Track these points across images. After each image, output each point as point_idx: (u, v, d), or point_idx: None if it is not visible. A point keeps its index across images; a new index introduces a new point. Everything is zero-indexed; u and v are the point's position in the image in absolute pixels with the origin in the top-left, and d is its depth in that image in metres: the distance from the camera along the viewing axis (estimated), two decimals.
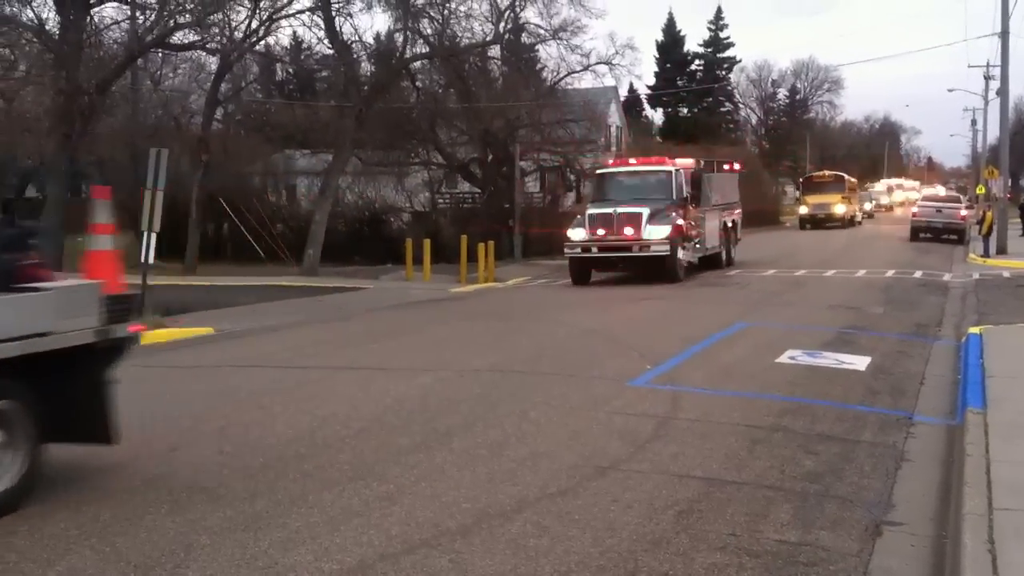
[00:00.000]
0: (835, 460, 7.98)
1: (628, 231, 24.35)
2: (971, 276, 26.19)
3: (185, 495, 7.13)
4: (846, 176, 63.16)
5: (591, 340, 15.15)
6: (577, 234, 25.11)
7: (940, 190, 74.97)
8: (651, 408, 9.87)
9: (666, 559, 5.84)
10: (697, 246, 26.75)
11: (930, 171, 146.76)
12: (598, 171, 29.22)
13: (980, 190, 48.88)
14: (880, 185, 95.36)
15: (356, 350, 14.81)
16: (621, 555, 5.90)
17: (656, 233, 24.22)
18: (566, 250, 25.68)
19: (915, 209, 47.17)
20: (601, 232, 24.64)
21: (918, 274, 26.75)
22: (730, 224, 30.73)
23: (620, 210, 24.61)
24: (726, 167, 32.91)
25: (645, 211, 24.35)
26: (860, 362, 12.60)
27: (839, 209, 57.66)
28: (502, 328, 17.14)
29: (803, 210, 59.23)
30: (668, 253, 24.24)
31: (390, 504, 6.85)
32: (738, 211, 32.51)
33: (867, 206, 71.91)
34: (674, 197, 25.52)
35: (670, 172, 26.16)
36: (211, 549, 6.05)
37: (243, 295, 22.94)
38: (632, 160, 28.92)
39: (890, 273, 26.87)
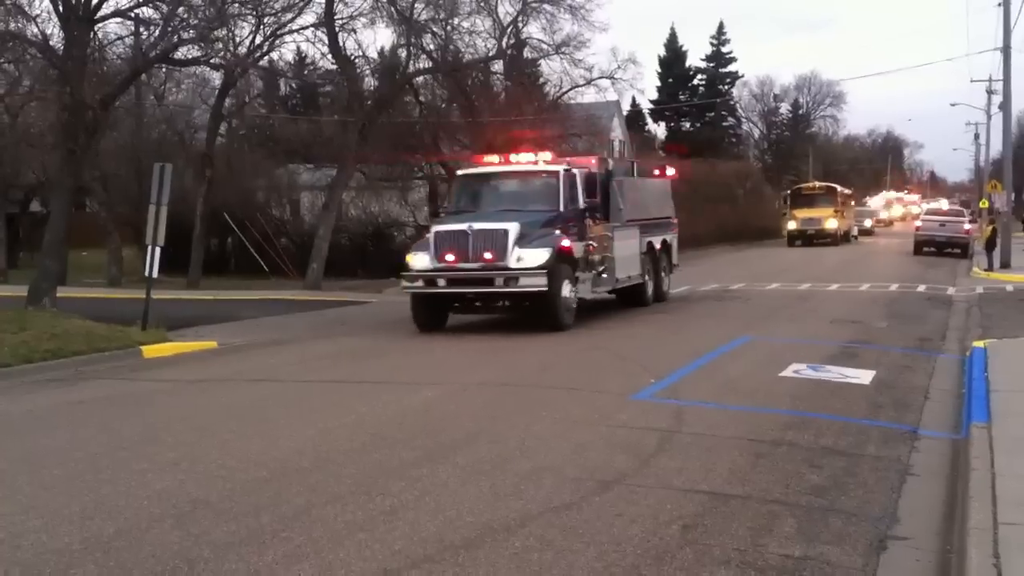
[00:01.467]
0: (840, 474, 7.96)
1: (488, 256, 17.58)
2: (975, 290, 26.16)
3: (189, 509, 7.13)
4: (839, 188, 58.81)
5: (595, 354, 15.14)
6: (419, 261, 18.19)
7: (943, 204, 74.48)
8: (655, 422, 9.85)
9: (670, 574, 5.82)
10: (603, 276, 19.83)
11: (933, 185, 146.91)
12: (459, 172, 21.37)
13: (983, 204, 48.90)
14: (878, 199, 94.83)
15: (359, 364, 14.81)
16: (625, 570, 5.88)
17: (529, 259, 17.41)
18: (404, 283, 18.77)
19: (918, 223, 47.12)
20: (451, 258, 17.81)
21: (922, 288, 26.73)
22: (659, 246, 23.01)
23: (477, 226, 17.82)
24: (656, 172, 25.44)
25: (512, 227, 17.60)
26: (864, 376, 12.58)
27: (831, 224, 53.40)
28: (505, 342, 17.12)
29: (791, 225, 54.30)
30: (545, 288, 17.34)
31: (394, 518, 6.84)
32: (672, 229, 24.64)
33: (867, 223, 68.04)
34: (562, 208, 18.69)
35: (556, 173, 19.10)
36: (215, 563, 6.04)
37: (247, 309, 22.96)
38: (500, 157, 20.93)
39: (894, 287, 26.85)
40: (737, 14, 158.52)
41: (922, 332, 17.42)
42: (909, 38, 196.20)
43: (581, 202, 19.17)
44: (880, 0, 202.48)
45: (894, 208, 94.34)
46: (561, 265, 17.81)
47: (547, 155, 20.20)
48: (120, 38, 27.72)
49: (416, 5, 34.08)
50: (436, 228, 18.72)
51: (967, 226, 44.85)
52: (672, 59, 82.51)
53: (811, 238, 52.74)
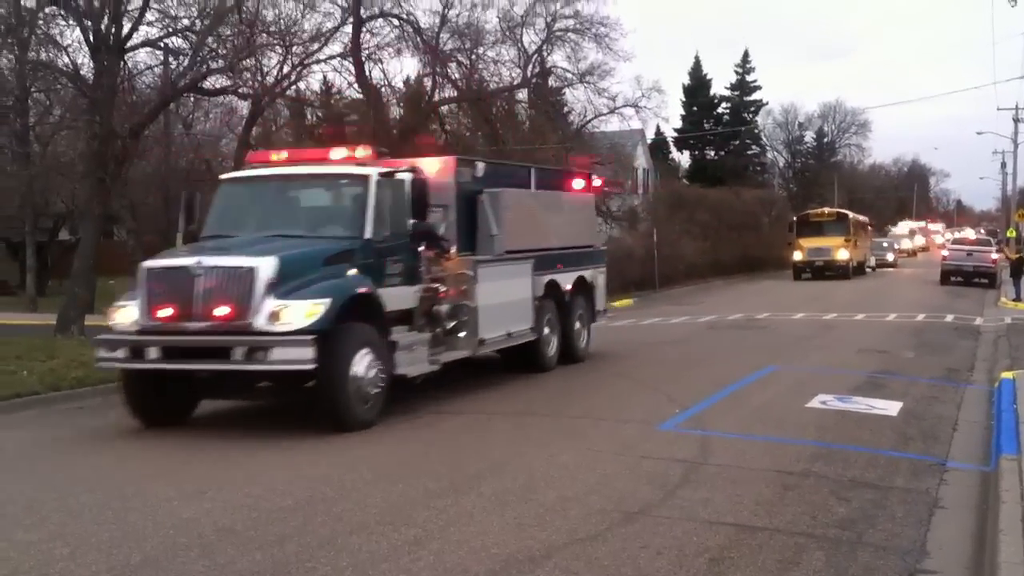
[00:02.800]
0: (867, 506, 7.90)
1: (222, 311, 11.03)
2: (1003, 320, 25.92)
3: (214, 538, 7.14)
4: (850, 214, 53.77)
5: (619, 383, 15.09)
6: (125, 316, 11.69)
7: (969, 233, 73.60)
8: (680, 453, 9.81)
9: None
10: (457, 335, 13.70)
11: (959, 214, 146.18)
12: (222, 176, 14.71)
13: (1011, 233, 48.53)
14: (901, 228, 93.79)
15: None
16: None
17: (290, 316, 10.92)
18: (98, 354, 11.99)
19: (945, 252, 46.75)
20: (168, 312, 11.24)
21: (949, 318, 26.53)
22: (568, 287, 16.73)
23: (211, 262, 11.30)
24: (580, 184, 18.27)
25: (265, 264, 11.09)
26: (892, 407, 12.49)
27: (841, 255, 48.23)
28: (528, 372, 17.06)
29: (797, 256, 48.85)
30: (313, 365, 10.86)
31: (418, 548, 6.83)
32: (595, 262, 18.26)
33: (888, 256, 63.28)
34: (369, 233, 12.20)
35: (363, 179, 12.56)
36: None
37: None
38: (285, 154, 14.17)
39: (921, 317, 26.65)
40: (762, 42, 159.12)
41: (950, 362, 17.28)
42: (935, 66, 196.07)
43: (405, 223, 12.80)
44: (906, 28, 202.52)
45: (916, 238, 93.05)
46: (351, 325, 11.38)
47: (361, 151, 13.23)
48: (150, 67, 28.07)
49: (442, 35, 34.41)
50: (150, 264, 11.91)
51: (995, 255, 44.47)
52: (696, 87, 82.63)
53: (820, 270, 47.77)
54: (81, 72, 23.40)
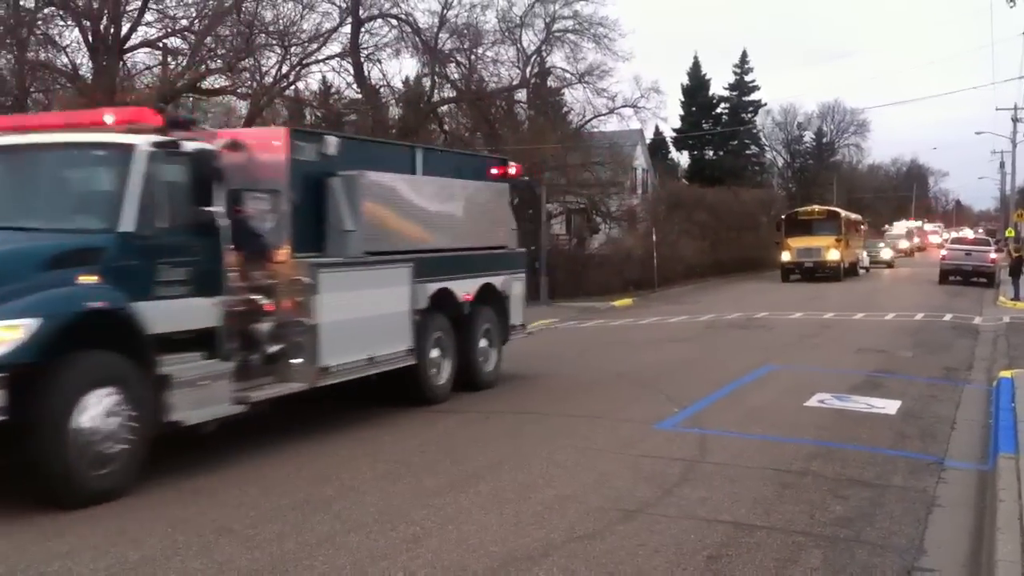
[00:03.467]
0: (865, 505, 7.92)
1: None
2: (1002, 319, 25.94)
3: (213, 537, 7.14)
4: (842, 212, 51.15)
5: (619, 382, 15.08)
6: None
7: (968, 233, 73.48)
8: (678, 451, 9.82)
9: None
10: (291, 362, 10.48)
11: (958, 214, 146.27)
12: None
13: (1010, 233, 48.51)
14: (898, 228, 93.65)
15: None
16: None
17: None
18: None
19: (944, 252, 46.69)
20: None
21: (948, 317, 26.53)
22: (467, 296, 13.61)
23: None
24: (494, 171, 15.26)
25: None
26: (890, 406, 12.50)
27: (832, 255, 45.54)
28: (525, 370, 17.07)
29: (785, 256, 46.16)
30: None
31: (416, 546, 6.84)
32: (511, 266, 15.12)
33: (884, 254, 62.45)
34: (130, 225, 8.70)
35: (127, 149, 8.96)
36: None
37: None
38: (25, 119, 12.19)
39: (919, 316, 26.66)
40: (761, 43, 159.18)
41: (948, 362, 17.29)
42: (933, 66, 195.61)
43: (202, 214, 9.38)
44: (904, 29, 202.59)
45: (913, 238, 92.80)
46: (79, 356, 8.12)
47: (128, 113, 9.73)
48: (148, 68, 28.13)
49: (441, 35, 34.47)
50: None
51: (993, 255, 44.42)
52: (695, 88, 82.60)
53: (810, 271, 45.21)
54: (80, 72, 23.45)
